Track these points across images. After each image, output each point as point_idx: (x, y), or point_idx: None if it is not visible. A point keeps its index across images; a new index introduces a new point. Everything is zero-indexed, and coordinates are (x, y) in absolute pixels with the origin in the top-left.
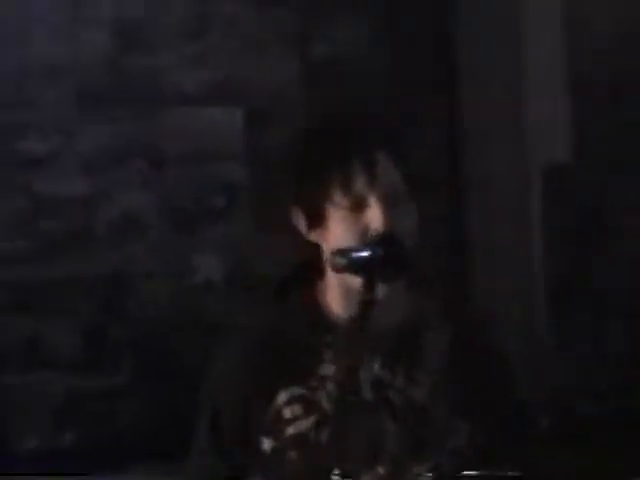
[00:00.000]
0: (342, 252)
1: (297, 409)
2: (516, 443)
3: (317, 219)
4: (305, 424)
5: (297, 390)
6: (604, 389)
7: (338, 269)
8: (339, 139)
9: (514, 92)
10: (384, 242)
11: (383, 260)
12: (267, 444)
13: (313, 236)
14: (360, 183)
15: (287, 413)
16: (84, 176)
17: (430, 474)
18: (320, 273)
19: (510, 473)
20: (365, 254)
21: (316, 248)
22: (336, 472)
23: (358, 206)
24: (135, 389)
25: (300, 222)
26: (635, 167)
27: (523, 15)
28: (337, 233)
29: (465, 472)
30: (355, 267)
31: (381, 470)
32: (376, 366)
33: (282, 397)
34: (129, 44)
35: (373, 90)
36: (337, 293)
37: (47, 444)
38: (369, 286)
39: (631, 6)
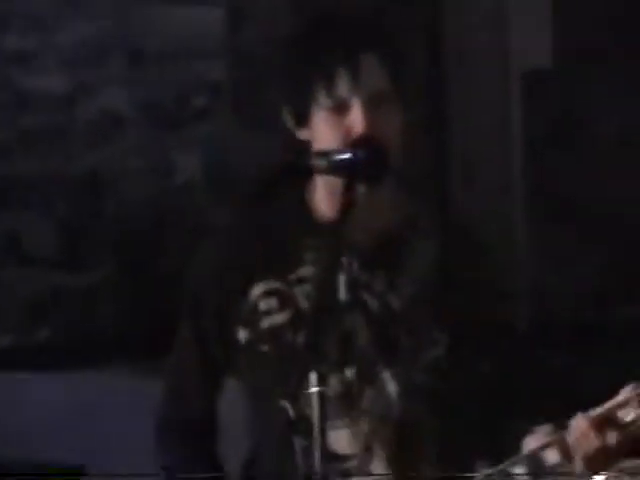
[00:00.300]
0: (323, 154)
1: (273, 302)
2: (496, 352)
3: (304, 119)
4: (280, 318)
5: (274, 284)
6: (584, 296)
7: (319, 171)
8: (325, 38)
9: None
10: (365, 144)
11: (364, 162)
12: (242, 335)
13: (302, 135)
14: (343, 84)
15: (263, 305)
16: (64, 72)
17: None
18: (307, 173)
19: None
20: (346, 156)
21: (304, 147)
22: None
23: (341, 107)
24: (113, 287)
25: (289, 121)
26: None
27: None
28: (322, 134)
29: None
30: (336, 169)
31: (349, 373)
32: (355, 267)
33: (259, 289)
34: None
35: None
36: (322, 193)
37: (22, 341)
38: (350, 188)
39: None
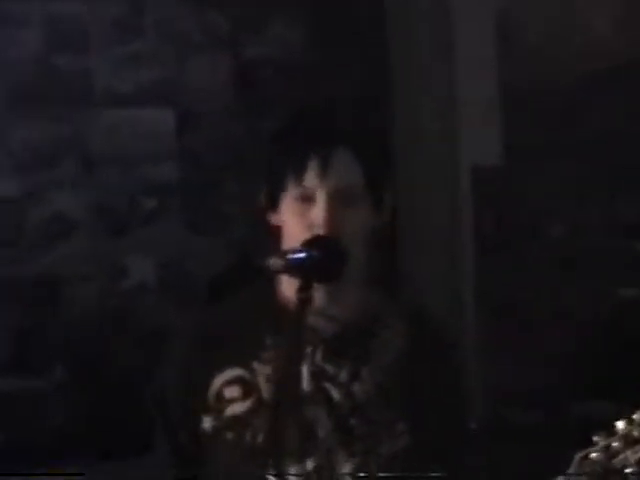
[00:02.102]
0: (279, 254)
1: (235, 390)
2: (451, 447)
3: (276, 204)
4: (242, 406)
5: (237, 371)
6: (532, 394)
7: (276, 271)
8: (303, 129)
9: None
10: (322, 244)
11: (320, 262)
12: (208, 423)
13: (273, 219)
14: (312, 175)
15: (226, 393)
16: (15, 177)
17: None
18: (262, 273)
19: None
20: (301, 256)
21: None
22: (271, 462)
23: (307, 198)
24: (65, 391)
25: (265, 206)
26: None
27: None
28: (289, 221)
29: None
30: (290, 270)
31: (310, 463)
32: (318, 358)
33: (223, 377)
34: (61, 44)
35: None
36: (287, 284)
37: None
38: (305, 287)
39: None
